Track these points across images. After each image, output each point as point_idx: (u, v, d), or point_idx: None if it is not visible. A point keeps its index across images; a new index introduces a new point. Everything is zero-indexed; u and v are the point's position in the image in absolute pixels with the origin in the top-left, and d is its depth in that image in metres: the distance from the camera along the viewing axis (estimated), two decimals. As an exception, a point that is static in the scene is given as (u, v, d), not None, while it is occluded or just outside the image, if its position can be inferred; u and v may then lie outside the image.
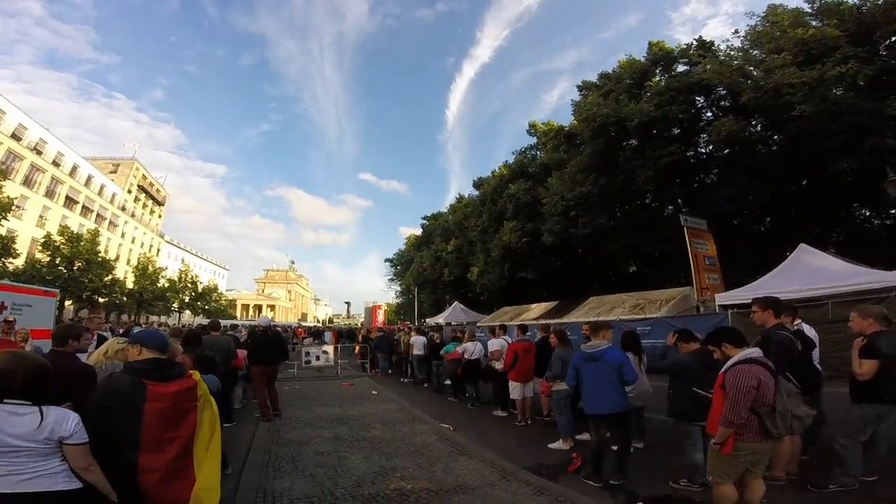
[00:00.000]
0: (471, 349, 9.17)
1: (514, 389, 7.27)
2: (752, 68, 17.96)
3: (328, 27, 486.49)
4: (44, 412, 1.88)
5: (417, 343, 12.66)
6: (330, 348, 14.63)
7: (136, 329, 15.88)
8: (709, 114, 21.26)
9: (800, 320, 4.82)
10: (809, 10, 17.52)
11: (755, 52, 18.51)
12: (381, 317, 52.32)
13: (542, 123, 30.08)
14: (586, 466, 4.61)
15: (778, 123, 17.39)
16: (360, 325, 58.25)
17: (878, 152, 13.77)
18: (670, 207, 22.28)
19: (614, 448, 4.46)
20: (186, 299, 50.07)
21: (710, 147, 20.88)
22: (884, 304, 7.87)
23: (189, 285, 50.34)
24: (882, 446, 3.82)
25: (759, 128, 18.68)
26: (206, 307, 52.28)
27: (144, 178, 60.12)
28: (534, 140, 31.44)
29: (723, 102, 20.66)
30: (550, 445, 5.77)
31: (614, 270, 28.77)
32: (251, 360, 7.54)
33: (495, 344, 8.38)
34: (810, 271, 11.09)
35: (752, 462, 3.05)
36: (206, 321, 15.54)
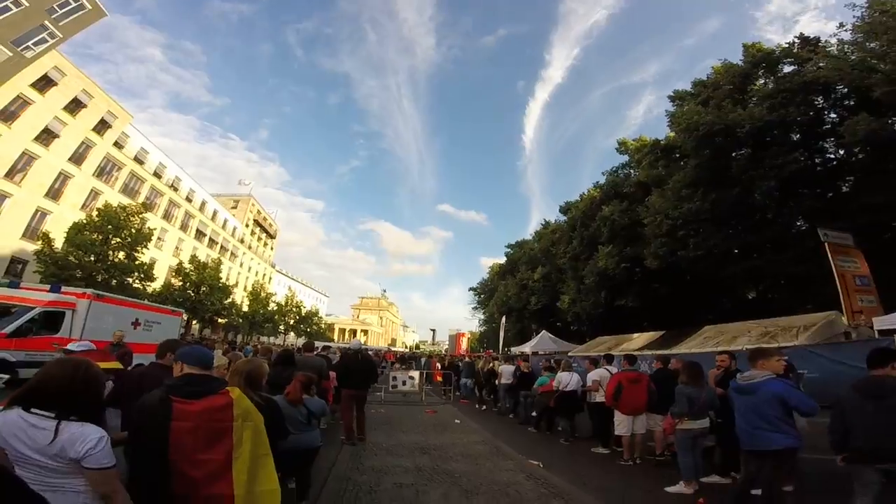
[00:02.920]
0: (566, 380, 8.32)
1: (621, 424, 6.32)
2: (876, 61, 15.58)
3: (401, 62, 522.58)
4: (60, 428, 1.71)
5: (506, 372, 12.05)
6: (416, 374, 14.50)
7: (248, 348, 17.73)
8: (833, 115, 18.52)
9: None
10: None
11: (872, 44, 16.09)
12: (464, 344, 51.91)
13: (633, 140, 28.33)
14: None
15: None
16: (444, 351, 58.39)
17: None
18: (799, 222, 19.19)
19: (755, 492, 3.74)
20: (291, 322, 54.72)
21: (842, 151, 17.89)
22: None
23: (294, 309, 55.05)
24: None
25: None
26: (308, 329, 56.58)
27: (259, 213, 68.64)
28: (625, 158, 29.71)
29: (847, 101, 17.95)
30: (668, 489, 4.85)
31: (730, 297, 25.30)
32: (340, 382, 7.50)
33: (595, 375, 7.60)
34: None
35: None
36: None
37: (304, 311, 57.35)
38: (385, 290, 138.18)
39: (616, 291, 24.91)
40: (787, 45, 20.49)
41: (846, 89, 17.46)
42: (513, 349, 28.63)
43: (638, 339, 19.08)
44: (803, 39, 20.04)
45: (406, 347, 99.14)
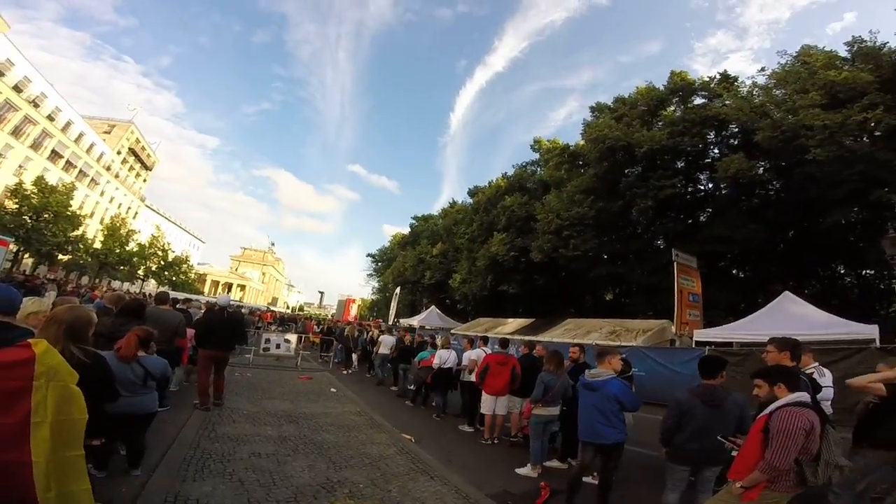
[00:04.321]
0: (444, 356, 8.63)
1: (486, 403, 6.73)
2: (773, 107, 17.76)
3: (350, 13, 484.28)
4: None
5: (386, 342, 12.20)
6: (293, 338, 13.85)
7: (88, 295, 15.03)
8: (716, 150, 21.25)
9: (815, 363, 4.72)
10: (845, 55, 17.43)
11: (778, 91, 18.36)
12: (353, 311, 51.29)
13: (548, 140, 30.19)
14: (552, 498, 4.31)
15: (785, 167, 17.36)
16: (330, 316, 57.06)
17: (880, 206, 13.81)
18: (660, 241, 22.24)
19: (589, 480, 4.29)
20: (154, 267, 47.79)
21: (711, 184, 20.92)
22: (861, 356, 8.01)
23: (159, 253, 48.13)
24: (867, 497, 3.66)
25: (761, 170, 18.62)
26: (174, 278, 50.14)
27: (138, 141, 59.92)
28: (536, 156, 31.57)
29: (733, 140, 20.67)
30: (518, 471, 5.27)
31: (592, 295, 28.78)
32: (199, 341, 6.73)
33: (472, 354, 7.95)
34: (791, 317, 11.16)
35: None
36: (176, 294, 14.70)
37: (171, 257, 50.28)
38: (273, 244, 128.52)
39: (501, 277, 26.52)
40: (707, 79, 22.82)
41: (737, 129, 19.87)
42: (402, 321, 29.08)
43: (512, 324, 20.69)
44: (723, 76, 22.25)
45: (288, 308, 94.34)
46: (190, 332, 6.88)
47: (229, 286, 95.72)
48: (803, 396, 2.80)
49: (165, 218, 71.56)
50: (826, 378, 4.54)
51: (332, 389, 9.90)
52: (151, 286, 48.28)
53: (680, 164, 21.31)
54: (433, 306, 29.35)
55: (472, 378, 7.36)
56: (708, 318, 15.78)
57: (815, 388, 3.95)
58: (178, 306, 8.35)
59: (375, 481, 4.45)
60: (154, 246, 47.75)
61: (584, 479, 4.29)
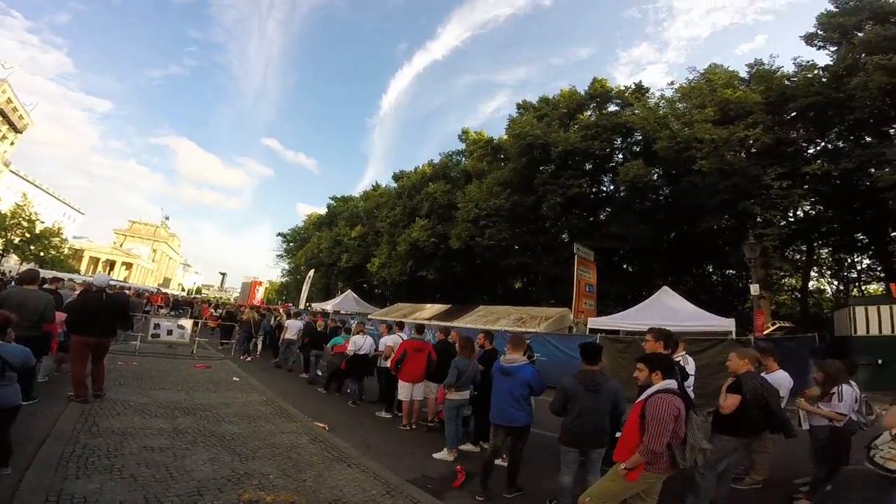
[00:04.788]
0: (359, 342, 8.52)
1: (402, 390, 6.81)
2: (673, 119, 19.62)
3: None
4: None
5: (292, 327, 11.76)
6: (188, 323, 12.70)
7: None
8: (621, 156, 23.33)
9: (683, 352, 5.21)
10: (745, 75, 19.53)
11: (681, 105, 20.34)
12: (260, 294, 48.15)
13: (475, 132, 30.91)
14: (468, 481, 4.52)
15: (676, 175, 19.51)
16: (233, 299, 53.13)
17: (745, 216, 16.16)
18: (565, 235, 24.02)
19: (499, 462, 4.51)
20: (17, 240, 40.03)
21: (612, 186, 23.01)
22: (722, 346, 9.24)
23: (24, 223, 40.39)
24: (728, 477, 4.17)
25: (655, 177, 20.88)
26: (42, 253, 42.58)
27: (9, 101, 50.86)
28: (462, 146, 32.11)
29: (636, 147, 22.80)
30: (436, 455, 5.43)
31: (503, 283, 30.35)
32: (71, 327, 5.87)
33: (389, 340, 7.94)
34: (667, 310, 12.71)
35: (646, 491, 3.05)
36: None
37: (38, 229, 42.12)
38: (167, 218, 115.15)
39: (421, 262, 26.77)
40: (623, 88, 24.67)
41: (640, 137, 21.77)
42: (314, 305, 28.03)
43: (429, 310, 21.05)
44: (638, 87, 24.16)
45: (183, 291, 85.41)
46: (60, 316, 5.98)
47: (111, 264, 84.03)
48: (672, 384, 3.08)
49: (34, 185, 61.59)
50: (690, 366, 5.11)
51: (235, 378, 9.29)
52: (13, 262, 40.57)
53: (588, 166, 23.10)
54: (349, 290, 28.74)
55: (389, 364, 7.38)
56: (601, 308, 17.49)
57: (684, 375, 4.56)
58: (45, 286, 7.18)
59: (287, 471, 4.30)
60: (17, 216, 39.91)
61: (496, 461, 4.51)
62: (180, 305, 27.67)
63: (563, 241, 23.49)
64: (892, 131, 15.21)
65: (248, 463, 4.40)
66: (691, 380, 4.96)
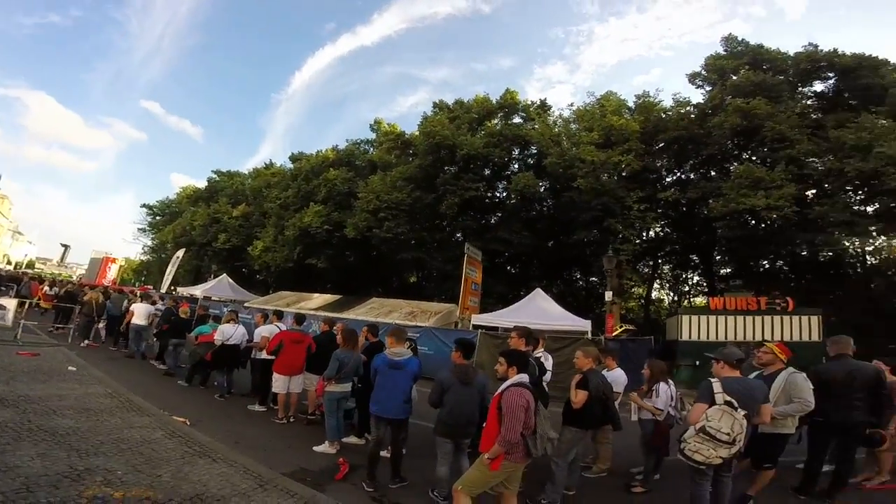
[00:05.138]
0: (228, 332, 7.89)
1: (278, 382, 6.50)
2: (565, 138, 21.75)
3: None
4: None
5: (139, 311, 10.49)
6: (11, 303, 10.55)
7: None
8: (516, 166, 25.15)
9: (543, 349, 5.74)
10: (632, 104, 22.01)
11: (574, 125, 22.56)
12: (113, 272, 41.34)
13: (388, 124, 30.62)
14: (352, 473, 4.56)
15: (559, 189, 21.57)
16: (76, 278, 45.02)
17: (608, 231, 18.50)
18: (459, 234, 25.07)
19: (384, 453, 4.59)
20: None
21: (505, 193, 24.58)
22: (582, 343, 10.52)
23: None
24: (578, 465, 4.62)
25: (542, 189, 22.94)
26: None
27: None
28: (373, 136, 31.62)
29: (530, 160, 24.69)
30: (316, 448, 5.30)
31: (398, 277, 30.57)
32: None
33: (265, 330, 7.43)
34: (538, 310, 14.10)
35: (508, 479, 3.30)
36: None
37: None
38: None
39: (312, 249, 25.60)
40: (530, 103, 26.52)
41: (535, 151, 23.54)
42: (181, 289, 25.03)
43: (317, 300, 20.34)
44: (542, 104, 26.24)
45: (10, 264, 69.10)
46: None
47: None
48: (524, 378, 3.36)
49: None
50: (549, 362, 5.65)
51: (70, 367, 7.95)
52: None
53: (487, 172, 24.46)
54: (224, 274, 26.25)
55: (264, 355, 6.99)
56: (484, 305, 18.70)
57: (542, 370, 5.08)
58: None
59: (138, 467, 3.89)
60: None
61: (383, 452, 4.56)
62: (3, 282, 22.43)
63: (457, 240, 24.42)
64: (732, 168, 18.39)
65: (89, 459, 3.89)
66: (549, 375, 5.53)
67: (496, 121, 25.75)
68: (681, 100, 21.13)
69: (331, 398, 5.41)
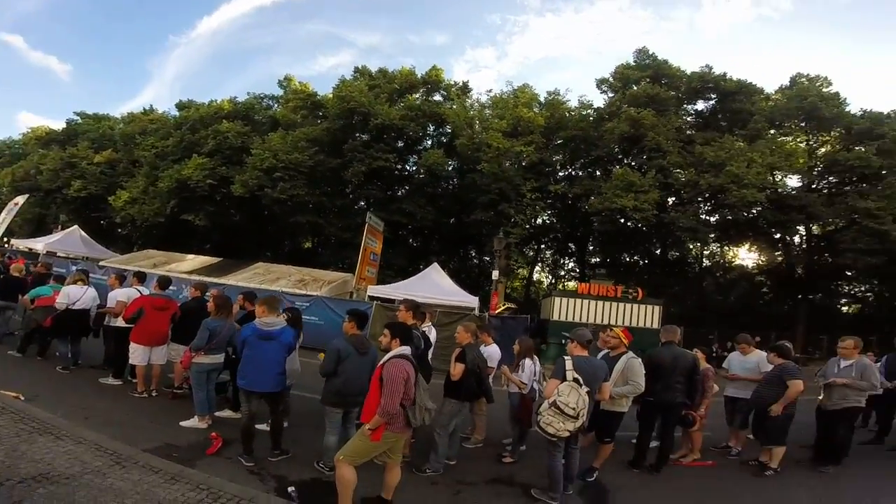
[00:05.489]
0: (75, 295, 6.74)
1: (137, 353, 5.78)
2: (478, 122, 22.56)
3: None
4: None
5: None
6: None
7: None
8: (429, 142, 25.35)
9: (430, 323, 5.87)
10: (543, 99, 23.21)
11: (488, 111, 23.42)
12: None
13: (300, 82, 28.72)
14: (227, 448, 4.32)
15: (465, 170, 22.39)
16: None
17: (502, 215, 19.73)
18: (362, 203, 24.61)
19: (261, 427, 4.42)
20: None
21: (415, 168, 24.69)
22: (468, 318, 10.91)
23: None
24: (458, 436, 4.76)
25: (450, 168, 23.54)
26: None
27: None
28: (280, 92, 29.46)
29: (443, 139, 25.01)
30: (184, 423, 4.89)
31: (291, 241, 29.03)
32: None
33: (121, 294, 6.41)
34: (433, 284, 14.46)
35: (391, 449, 3.38)
36: None
37: None
38: None
39: (189, 204, 23.11)
40: (453, 83, 26.78)
41: (450, 130, 23.87)
42: (16, 241, 20.72)
43: (191, 262, 18.36)
44: (464, 86, 26.74)
45: None
46: None
47: None
48: (405, 350, 3.40)
49: None
50: (433, 335, 5.63)
51: None
52: None
53: (400, 144, 24.28)
54: (76, 227, 22.27)
55: (120, 323, 6.16)
56: (382, 277, 18.75)
57: (428, 343, 5.26)
58: None
59: (-44, 449, 3.27)
60: None
61: (259, 426, 4.38)
62: None
63: (359, 208, 23.98)
64: (613, 170, 20.59)
65: None
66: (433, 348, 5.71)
67: (417, 96, 25.67)
68: (585, 102, 23.37)
69: (199, 370, 5.00)
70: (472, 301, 13.65)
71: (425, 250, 26.57)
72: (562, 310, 14.57)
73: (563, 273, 29.77)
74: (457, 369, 4.47)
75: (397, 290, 14.36)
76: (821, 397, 5.53)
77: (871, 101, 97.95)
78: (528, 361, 5.23)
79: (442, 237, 26.55)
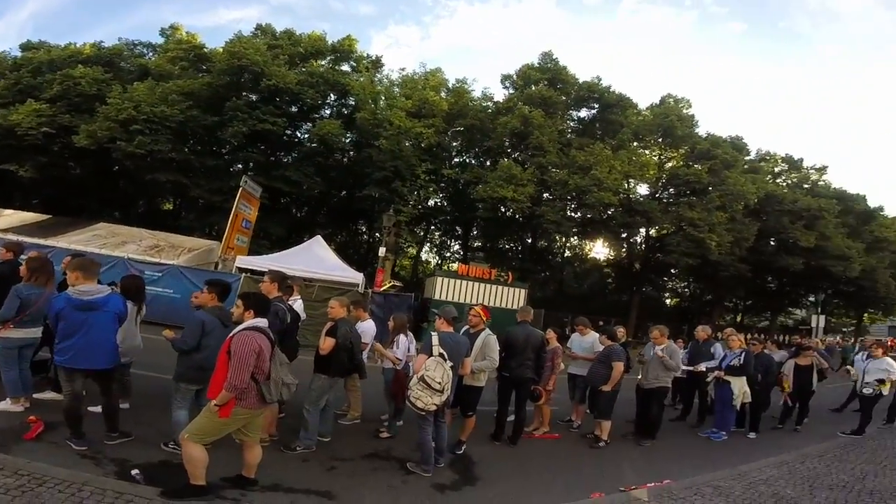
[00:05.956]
0: None
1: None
2: (383, 98, 22.07)
3: None
4: None
5: None
6: None
7: None
8: (328, 111, 23.99)
9: (298, 296, 5.37)
10: (451, 86, 23.66)
11: (397, 89, 23.16)
12: None
13: (188, 32, 25.18)
14: (50, 432, 3.71)
15: (363, 144, 21.79)
16: None
17: (395, 192, 19.79)
18: (240, 166, 22.46)
19: (95, 409, 3.89)
20: None
21: (307, 136, 23.25)
22: (349, 295, 10.57)
23: None
24: (330, 413, 4.69)
25: (348, 140, 22.79)
26: None
27: None
28: (161, 41, 25.40)
29: (345, 110, 23.84)
30: None
31: (147, 202, 25.20)
32: None
33: None
34: (315, 258, 13.74)
35: (246, 427, 3.18)
36: None
37: None
38: None
39: (14, 154, 19.11)
40: (366, 56, 25.84)
41: (353, 102, 23.01)
42: None
43: (9, 218, 14.91)
44: (377, 60, 25.78)
45: None
46: None
47: None
48: (260, 322, 3.18)
49: None
50: (300, 307, 5.21)
51: None
52: None
53: (294, 109, 22.57)
54: None
55: None
56: (257, 248, 17.39)
57: (296, 317, 4.86)
58: None
59: None
60: None
61: (93, 408, 3.87)
62: None
63: (235, 171, 21.92)
64: (502, 161, 21.58)
65: None
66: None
67: (324, 63, 24.34)
68: (487, 94, 24.46)
69: (8, 346, 4.11)
70: (356, 277, 13.43)
71: (311, 222, 25.34)
72: (443, 289, 15.18)
73: (448, 254, 30.97)
74: (326, 343, 4.33)
75: (272, 262, 13.19)
76: (640, 377, 6.21)
77: (717, 125, 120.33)
78: (402, 338, 5.29)
79: (331, 209, 25.53)
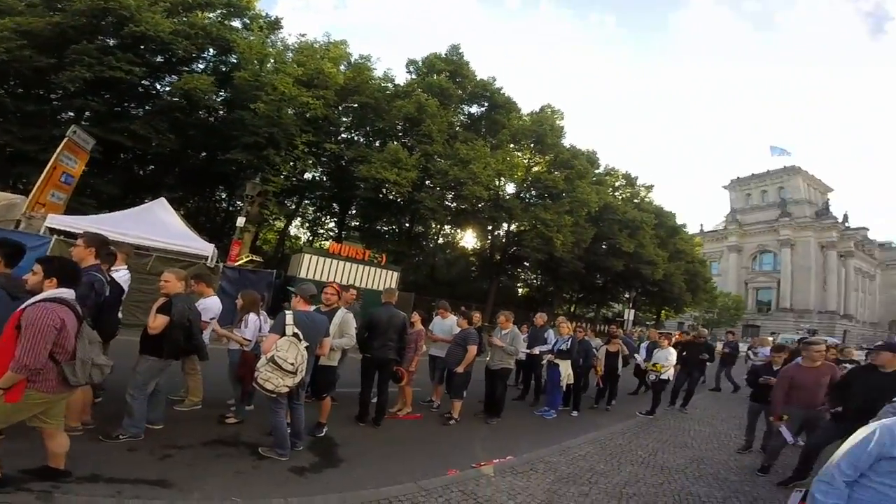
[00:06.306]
0: None
1: None
2: (271, 60, 20.16)
3: None
4: None
5: None
6: None
7: None
8: (202, 66, 20.96)
9: (124, 266, 4.58)
10: (353, 61, 22.68)
11: (290, 54, 21.35)
12: None
13: None
14: None
15: (234, 103, 19.66)
16: None
17: (266, 160, 18.07)
18: (72, 114, 18.38)
19: None
20: None
21: (169, 88, 19.83)
22: (195, 268, 9.32)
23: None
24: (161, 398, 4.22)
25: (219, 99, 20.30)
26: None
27: None
28: None
29: (223, 67, 21.10)
30: None
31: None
32: None
33: None
34: (157, 223, 11.49)
35: (46, 413, 2.73)
36: None
37: None
38: None
39: None
40: (264, 14, 23.27)
41: (235, 60, 20.47)
42: None
43: None
44: (275, 21, 23.26)
45: None
46: None
47: None
48: (65, 293, 2.73)
49: None
50: (125, 279, 4.51)
51: None
52: None
53: (159, 59, 19.08)
54: None
55: None
56: (81, 207, 14.38)
57: (119, 289, 4.22)
58: None
59: None
60: None
61: None
62: None
63: (64, 119, 17.95)
64: (391, 144, 21.23)
65: None
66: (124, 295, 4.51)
67: (211, 16, 20.96)
68: (389, 76, 23.83)
69: None
70: (206, 248, 11.67)
71: (156, 183, 21.83)
72: (310, 268, 14.56)
73: (322, 231, 29.63)
74: (157, 321, 3.82)
75: (97, 224, 10.73)
76: (488, 358, 6.65)
77: (579, 136, 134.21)
78: (252, 316, 4.94)
79: (184, 171, 22.24)
